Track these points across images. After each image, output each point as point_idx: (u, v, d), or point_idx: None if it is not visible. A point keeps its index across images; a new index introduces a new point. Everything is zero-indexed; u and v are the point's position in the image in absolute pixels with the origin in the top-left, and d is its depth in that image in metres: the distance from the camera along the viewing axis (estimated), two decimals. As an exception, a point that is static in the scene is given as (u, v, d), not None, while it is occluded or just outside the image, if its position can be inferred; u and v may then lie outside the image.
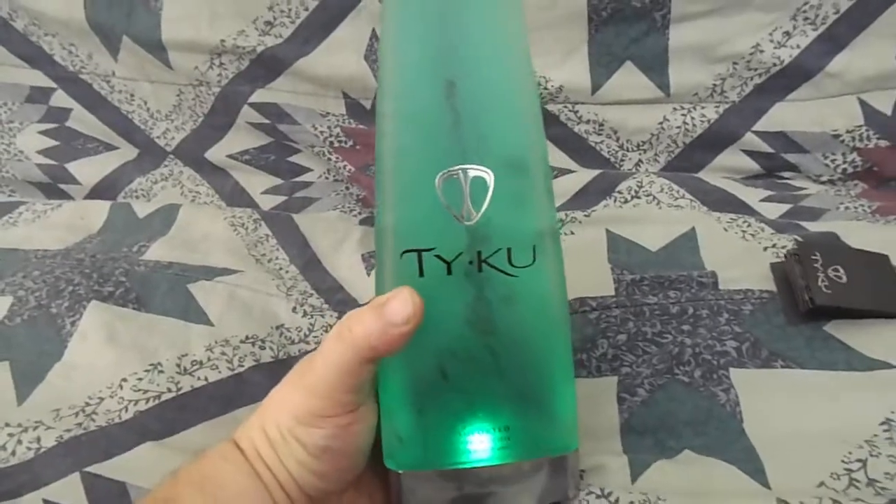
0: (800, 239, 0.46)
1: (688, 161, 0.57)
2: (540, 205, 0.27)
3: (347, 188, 0.63)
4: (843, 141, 0.53)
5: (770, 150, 0.55)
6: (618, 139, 0.57)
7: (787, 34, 0.52)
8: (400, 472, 0.28)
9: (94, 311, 0.46)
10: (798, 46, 0.52)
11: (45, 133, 0.68)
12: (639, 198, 0.54)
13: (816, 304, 0.39)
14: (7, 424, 0.39)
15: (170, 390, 0.41)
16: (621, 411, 0.37)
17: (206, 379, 0.42)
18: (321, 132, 0.61)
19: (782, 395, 0.37)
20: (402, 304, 0.25)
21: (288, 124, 0.62)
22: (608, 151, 0.58)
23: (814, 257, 0.41)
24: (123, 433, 0.39)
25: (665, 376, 0.38)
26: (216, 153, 0.65)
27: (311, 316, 0.47)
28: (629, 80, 0.55)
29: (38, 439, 0.38)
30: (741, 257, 0.46)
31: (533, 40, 0.27)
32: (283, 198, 0.62)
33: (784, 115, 0.54)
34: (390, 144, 0.27)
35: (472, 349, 0.27)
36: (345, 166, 0.62)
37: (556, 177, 0.57)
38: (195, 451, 0.31)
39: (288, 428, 0.27)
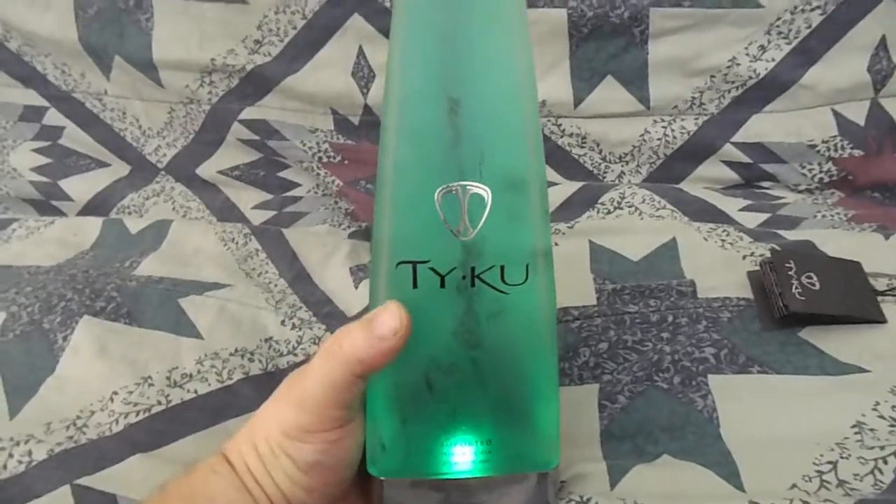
0: (776, 248, 0.47)
1: (669, 172, 0.58)
2: (535, 224, 0.28)
3: (336, 202, 0.64)
4: (818, 151, 0.54)
5: (748, 160, 0.56)
6: (600, 151, 0.59)
7: (763, 48, 0.53)
8: (382, 478, 0.29)
9: (86, 325, 0.47)
10: (773, 60, 0.53)
11: (38, 151, 0.69)
12: (621, 209, 0.55)
13: (790, 310, 0.40)
14: (-1, 438, 0.39)
15: (160, 403, 0.42)
16: (602, 418, 0.38)
17: (195, 391, 0.43)
18: (310, 148, 0.63)
19: (758, 400, 0.37)
20: (390, 318, 0.26)
21: (277, 140, 0.63)
22: (591, 164, 0.59)
23: (788, 265, 0.42)
24: (114, 446, 0.39)
25: (645, 383, 0.39)
26: (207, 169, 0.66)
27: (300, 328, 0.48)
28: (610, 93, 0.57)
29: (30, 452, 0.39)
30: (720, 266, 0.47)
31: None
32: (273, 212, 0.63)
33: (761, 127, 0.55)
34: (392, 158, 0.27)
35: (459, 362, 0.28)
36: (333, 181, 0.63)
37: (540, 189, 0.58)
38: (185, 463, 0.32)
39: (277, 442, 0.27)
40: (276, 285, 0.53)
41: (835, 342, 0.39)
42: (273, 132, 0.63)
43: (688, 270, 0.47)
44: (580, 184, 0.59)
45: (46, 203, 0.68)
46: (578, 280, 0.47)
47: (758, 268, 0.45)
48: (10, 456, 0.39)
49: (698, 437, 0.36)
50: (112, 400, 0.42)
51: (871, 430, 0.34)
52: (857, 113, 0.53)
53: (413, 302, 0.26)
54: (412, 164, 0.27)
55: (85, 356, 0.45)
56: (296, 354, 0.46)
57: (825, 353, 0.39)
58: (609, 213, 0.55)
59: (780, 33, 0.53)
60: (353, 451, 0.28)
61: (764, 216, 0.53)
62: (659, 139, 0.57)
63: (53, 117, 0.67)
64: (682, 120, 0.57)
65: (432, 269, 0.26)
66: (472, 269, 0.27)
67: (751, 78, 0.54)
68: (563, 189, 0.58)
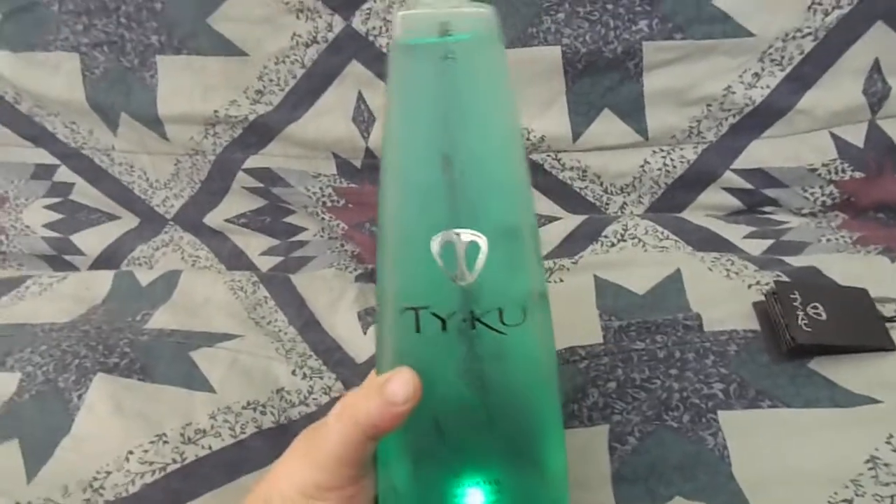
0: (781, 277, 0.47)
1: (671, 201, 0.58)
2: (530, 267, 0.29)
3: (342, 245, 0.64)
4: (819, 174, 0.54)
5: (750, 186, 0.56)
6: (601, 184, 0.59)
7: (757, 75, 0.54)
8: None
9: (101, 382, 0.48)
10: (768, 87, 0.54)
11: (50, 207, 0.70)
12: (625, 241, 0.55)
13: (798, 342, 0.40)
14: (17, 503, 0.40)
15: (175, 461, 0.42)
16: (612, 461, 0.38)
17: (209, 447, 0.43)
18: (314, 193, 0.63)
19: (769, 435, 0.37)
20: (402, 386, 0.26)
21: (281, 187, 0.64)
22: (593, 196, 0.60)
23: (793, 296, 0.42)
24: (131, 507, 0.40)
25: (654, 423, 0.39)
26: (214, 218, 0.67)
27: (311, 378, 0.49)
28: (608, 126, 0.57)
29: (48, 517, 0.39)
30: (726, 296, 0.47)
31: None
32: (281, 258, 0.64)
33: (761, 152, 0.56)
34: (391, 210, 0.29)
35: (465, 403, 0.29)
36: (338, 225, 0.64)
37: (543, 224, 0.59)
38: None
39: (293, 500, 0.28)
40: (285, 333, 0.53)
41: (845, 372, 0.39)
42: (277, 179, 0.64)
43: (693, 302, 0.47)
44: (583, 217, 0.59)
45: (59, 258, 0.70)
46: (584, 318, 0.47)
47: (762, 299, 0.44)
48: (29, 521, 0.39)
49: (710, 477, 0.36)
50: (128, 459, 0.43)
51: (886, 464, 0.34)
52: (856, 135, 0.53)
53: (417, 346, 0.27)
54: (410, 215, 0.29)
55: (100, 414, 0.46)
56: (307, 405, 0.47)
57: (836, 385, 0.39)
58: (612, 245, 0.55)
59: (773, 60, 0.53)
60: None
61: (768, 242, 0.53)
62: (659, 169, 0.57)
63: (64, 174, 0.69)
64: (682, 149, 0.57)
65: (434, 313, 0.28)
66: (472, 313, 0.28)
67: (747, 105, 0.54)
68: (566, 223, 0.58)
